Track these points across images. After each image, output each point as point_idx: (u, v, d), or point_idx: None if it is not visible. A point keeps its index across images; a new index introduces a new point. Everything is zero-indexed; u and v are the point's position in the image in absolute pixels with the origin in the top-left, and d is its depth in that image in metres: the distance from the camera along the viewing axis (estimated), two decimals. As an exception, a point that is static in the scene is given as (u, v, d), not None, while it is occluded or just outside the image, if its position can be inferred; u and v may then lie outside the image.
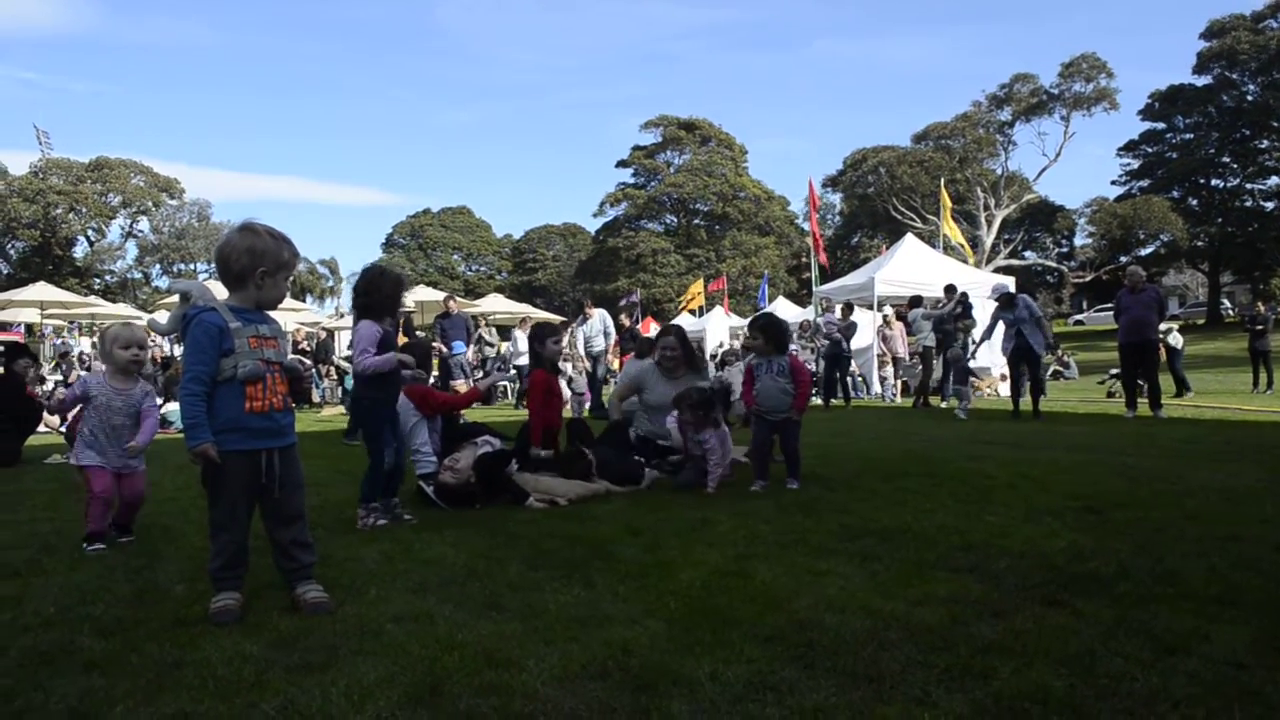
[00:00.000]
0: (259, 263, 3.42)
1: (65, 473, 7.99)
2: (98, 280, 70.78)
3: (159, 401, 17.99)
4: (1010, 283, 21.70)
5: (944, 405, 16.68)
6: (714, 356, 35.26)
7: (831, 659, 2.76)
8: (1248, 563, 3.87)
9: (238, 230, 3.50)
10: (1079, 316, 67.18)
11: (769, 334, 6.75)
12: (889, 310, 21.69)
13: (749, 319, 29.69)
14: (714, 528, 4.99)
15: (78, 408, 5.22)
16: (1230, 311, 63.15)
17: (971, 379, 16.62)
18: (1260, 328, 19.99)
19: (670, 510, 5.58)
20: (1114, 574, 3.72)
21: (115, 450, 5.07)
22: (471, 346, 19.87)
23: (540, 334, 7.26)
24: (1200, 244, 56.59)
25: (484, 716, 2.42)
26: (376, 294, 5.47)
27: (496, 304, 34.73)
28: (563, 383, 19.75)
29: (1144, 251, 58.39)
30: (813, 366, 21.67)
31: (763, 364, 6.71)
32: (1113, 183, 64.01)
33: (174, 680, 2.73)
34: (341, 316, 32.44)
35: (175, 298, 4.31)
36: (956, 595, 3.45)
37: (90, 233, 71.81)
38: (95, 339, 34.65)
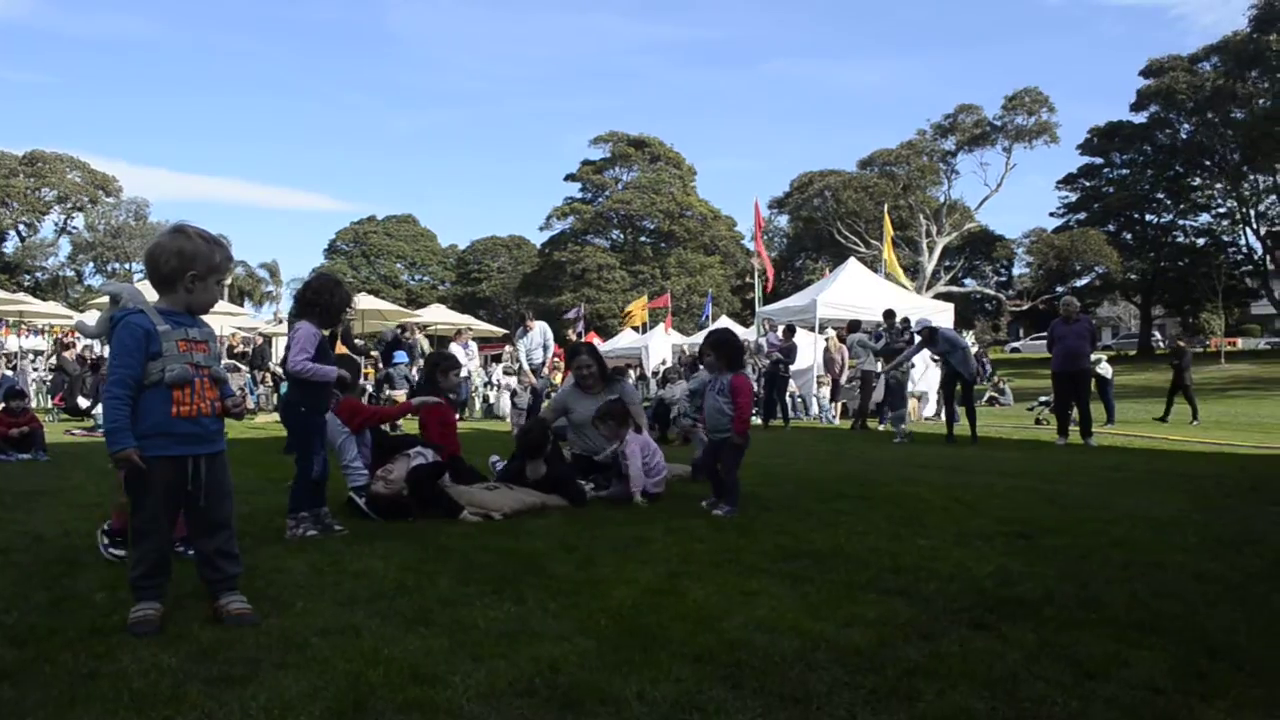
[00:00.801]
0: (189, 266, 3.34)
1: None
2: (28, 276, 69.02)
3: (86, 404, 17.60)
4: (949, 310, 22.12)
5: (882, 428, 16.87)
6: (655, 374, 35.44)
7: (759, 679, 2.76)
8: (1169, 590, 3.95)
9: (169, 232, 3.43)
10: (1015, 344, 68.43)
11: (720, 350, 6.62)
12: (831, 333, 21.89)
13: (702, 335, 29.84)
14: (648, 545, 4.98)
15: None
16: (1161, 344, 64.70)
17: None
18: (1176, 363, 20.50)
19: (605, 527, 5.57)
20: (1040, 598, 3.77)
21: None
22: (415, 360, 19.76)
23: (440, 364, 7.23)
24: (1134, 277, 57.94)
25: (406, 732, 2.38)
26: (326, 300, 5.39)
27: (439, 315, 34.49)
28: (505, 398, 19.79)
29: (1080, 282, 59.63)
30: (754, 387, 21.82)
31: (711, 381, 6.68)
32: (1051, 214, 65.38)
33: (87, 692, 2.65)
34: (280, 322, 31.93)
35: (105, 299, 4.21)
36: (885, 617, 3.47)
37: (21, 227, 70.09)
38: (22, 337, 33.86)
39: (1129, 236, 59.22)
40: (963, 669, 2.84)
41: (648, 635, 3.21)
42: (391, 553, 4.71)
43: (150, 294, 3.65)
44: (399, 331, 18.44)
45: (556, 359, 19.13)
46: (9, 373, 22.44)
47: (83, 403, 18.18)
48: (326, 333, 5.53)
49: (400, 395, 17.17)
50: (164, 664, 2.87)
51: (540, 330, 17.44)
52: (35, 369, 25.68)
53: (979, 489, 7.60)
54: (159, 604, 3.35)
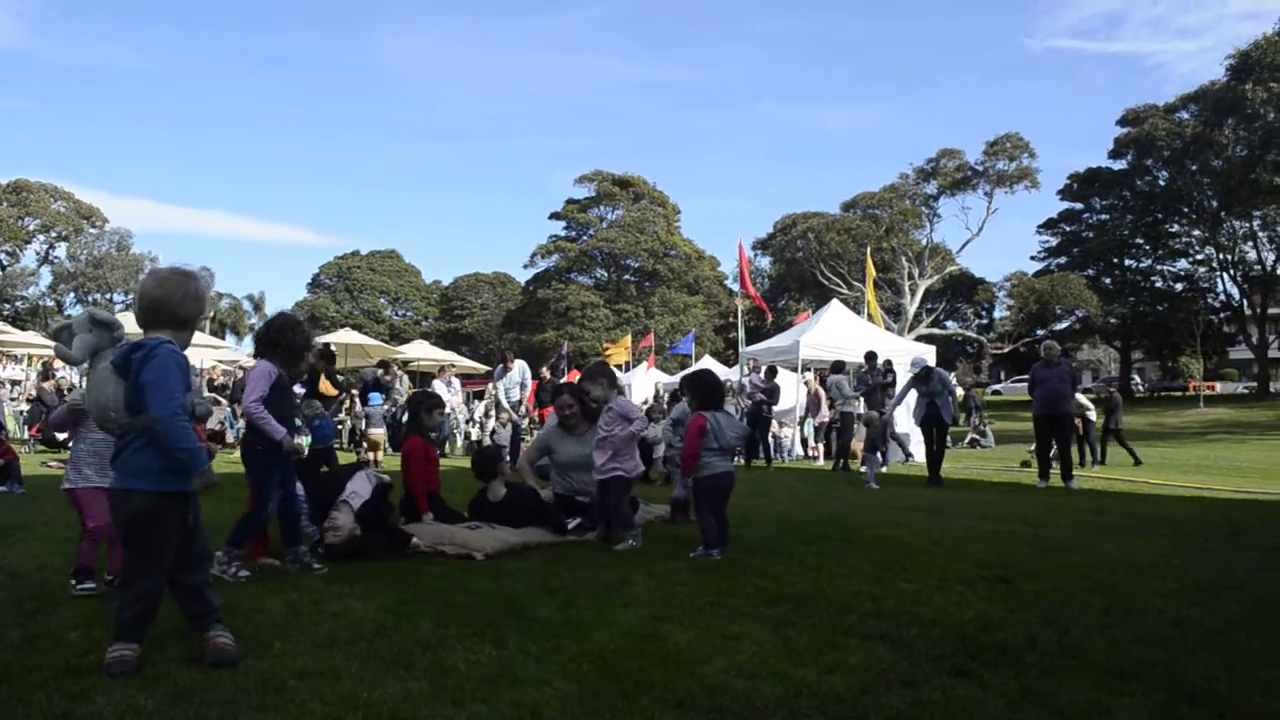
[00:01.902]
0: (203, 308, 3.40)
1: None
2: (7, 305, 68.60)
3: (63, 436, 17.41)
4: (931, 352, 22.21)
5: (883, 470, 16.89)
6: (639, 412, 35.26)
7: (741, 726, 2.75)
8: (1149, 636, 3.96)
9: (180, 274, 3.41)
10: (996, 386, 68.67)
11: (694, 391, 6.71)
12: (811, 376, 21.97)
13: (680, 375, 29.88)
14: (630, 588, 4.96)
15: None
16: (1140, 388, 65.11)
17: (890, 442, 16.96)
18: (1105, 410, 20.70)
19: (588, 570, 5.54)
20: (1021, 644, 3.78)
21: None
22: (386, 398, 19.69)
23: (424, 403, 7.22)
24: (1113, 321, 58.34)
25: (385, 779, 2.36)
26: (288, 339, 5.40)
27: (421, 351, 34.42)
28: (485, 437, 19.73)
29: (1060, 326, 60.02)
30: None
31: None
32: (1032, 258, 65.86)
33: (61, 734, 2.62)
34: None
35: (80, 323, 4.18)
36: (867, 663, 3.47)
37: (3, 256, 69.76)
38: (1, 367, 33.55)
39: (1109, 281, 59.71)
40: (945, 717, 2.84)
41: (629, 680, 3.19)
42: (371, 594, 4.68)
43: (130, 325, 3.64)
44: (379, 373, 18.36)
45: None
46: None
47: (60, 435, 18.01)
48: (304, 375, 5.54)
49: (379, 433, 17.11)
50: (140, 705, 2.84)
51: (519, 369, 17.54)
52: (12, 399, 25.45)
53: (960, 532, 7.61)
54: (138, 645, 3.30)
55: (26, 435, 20.11)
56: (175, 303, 3.31)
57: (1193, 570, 5.77)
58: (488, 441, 20.81)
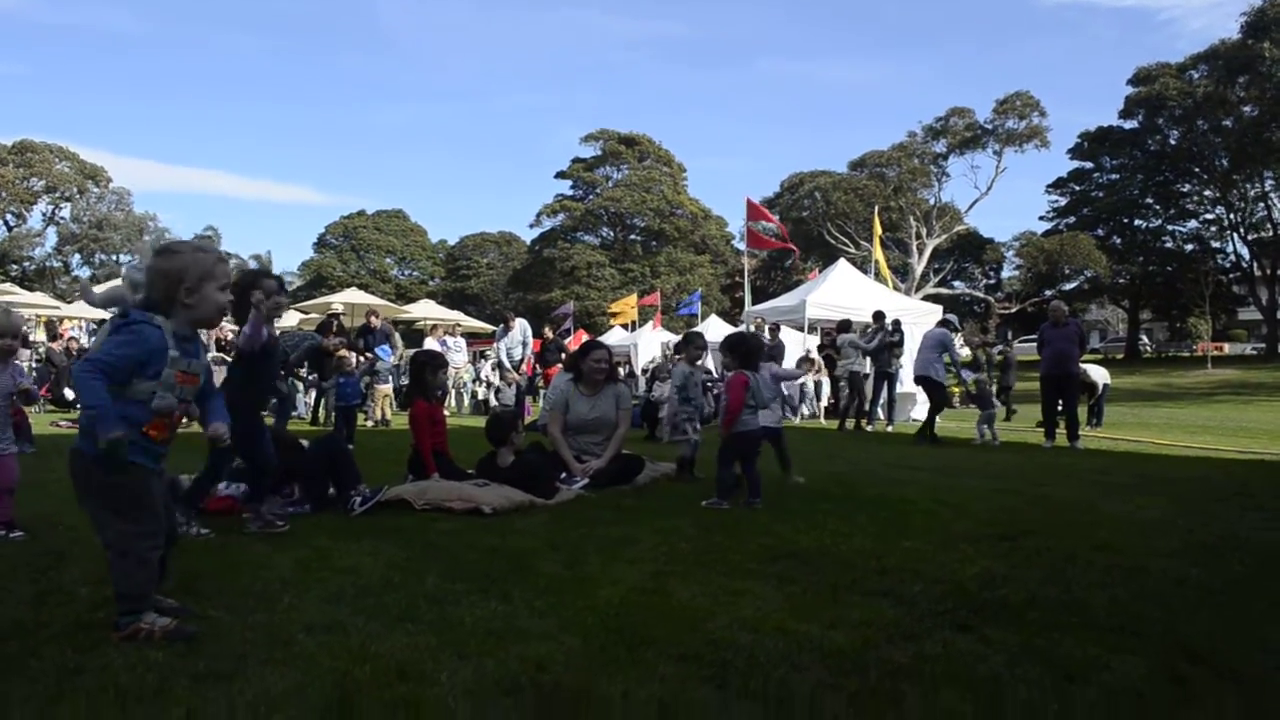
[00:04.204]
0: (180, 279, 3.23)
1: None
2: (15, 266, 68.69)
3: (72, 395, 17.48)
4: (936, 311, 22.17)
5: (870, 429, 16.95)
6: (644, 371, 35.43)
7: (743, 680, 2.77)
8: (1150, 595, 3.98)
9: (155, 255, 3.34)
10: (1003, 347, 68.60)
11: (734, 352, 7.02)
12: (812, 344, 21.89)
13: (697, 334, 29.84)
14: (635, 545, 4.99)
15: None
16: (1148, 348, 64.93)
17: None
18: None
19: (593, 527, 5.58)
20: (1023, 601, 3.80)
21: None
22: (396, 352, 19.67)
23: (429, 364, 7.24)
24: (1122, 281, 58.15)
25: (392, 730, 2.39)
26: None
27: (428, 310, 34.41)
28: (490, 396, 19.81)
29: (1068, 286, 59.86)
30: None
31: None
32: (1041, 218, 65.53)
33: (73, 687, 2.66)
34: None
35: (121, 279, 4.16)
36: (869, 619, 3.49)
37: (9, 217, 69.76)
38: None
39: (1118, 241, 59.41)
40: (946, 671, 2.86)
41: (633, 634, 3.22)
42: (380, 550, 4.72)
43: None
44: (369, 318, 18.33)
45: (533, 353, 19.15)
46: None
47: (69, 394, 18.12)
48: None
49: (386, 389, 17.21)
50: (150, 659, 2.87)
51: (521, 328, 17.62)
52: (21, 359, 25.52)
53: (965, 491, 7.63)
54: (151, 609, 3.20)
55: (38, 394, 20.20)
56: (150, 289, 3.22)
57: (1197, 529, 5.79)
58: (493, 401, 20.87)
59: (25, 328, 34.47)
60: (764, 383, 6.80)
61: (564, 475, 7.38)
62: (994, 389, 19.70)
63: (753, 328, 21.28)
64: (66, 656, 2.91)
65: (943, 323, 15.79)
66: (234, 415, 5.15)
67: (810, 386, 22.24)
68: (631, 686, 2.68)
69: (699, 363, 8.92)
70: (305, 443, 6.65)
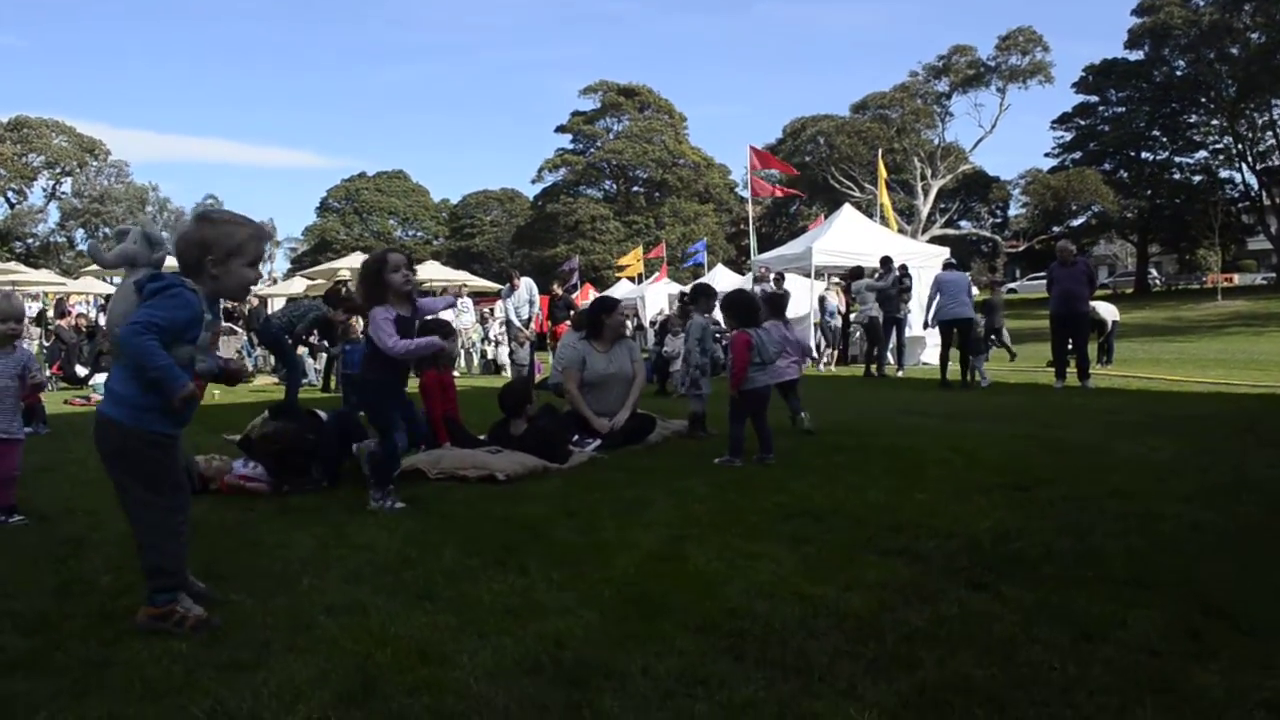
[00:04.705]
0: (207, 252, 3.21)
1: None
2: (19, 243, 68.67)
3: (84, 372, 17.57)
4: (944, 253, 22.06)
5: (900, 375, 16.97)
6: (653, 324, 35.40)
7: (761, 649, 2.79)
8: (1165, 543, 3.99)
9: (193, 220, 3.33)
10: (1012, 285, 68.25)
11: (730, 311, 7.05)
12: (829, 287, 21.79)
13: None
14: (649, 508, 5.02)
15: None
16: (1157, 281, 64.55)
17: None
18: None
19: (607, 490, 5.60)
20: (1038, 555, 3.81)
21: (1, 417, 5.08)
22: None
23: (435, 330, 7.23)
24: (1130, 215, 57.65)
25: (416, 716, 2.41)
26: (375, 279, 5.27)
27: (434, 271, 34.23)
28: (504, 355, 19.83)
29: (1076, 222, 59.45)
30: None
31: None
32: (1046, 154, 64.96)
33: (100, 681, 2.69)
34: (275, 282, 31.86)
35: (133, 230, 4.14)
36: (885, 579, 3.51)
37: (10, 194, 69.63)
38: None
39: (1125, 175, 58.80)
40: (962, 633, 2.88)
41: (650, 604, 3.24)
42: (396, 524, 4.74)
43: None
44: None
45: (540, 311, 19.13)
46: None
47: (80, 371, 18.15)
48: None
49: None
50: (175, 650, 2.90)
51: (526, 286, 17.60)
52: (30, 339, 25.57)
53: (977, 437, 7.64)
54: (183, 590, 3.23)
55: (48, 372, 20.27)
56: (180, 253, 3.23)
57: (1210, 471, 5.79)
58: (505, 361, 20.89)
59: (34, 305, 34.49)
60: (769, 338, 6.78)
61: (576, 438, 7.40)
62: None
63: (756, 276, 21.24)
64: (92, 650, 2.94)
65: (953, 265, 15.76)
66: (379, 396, 5.24)
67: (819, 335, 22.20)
68: (650, 661, 2.70)
69: (709, 314, 8.93)
70: (323, 415, 6.67)
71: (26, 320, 24.72)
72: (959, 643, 2.81)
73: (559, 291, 23.74)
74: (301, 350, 14.85)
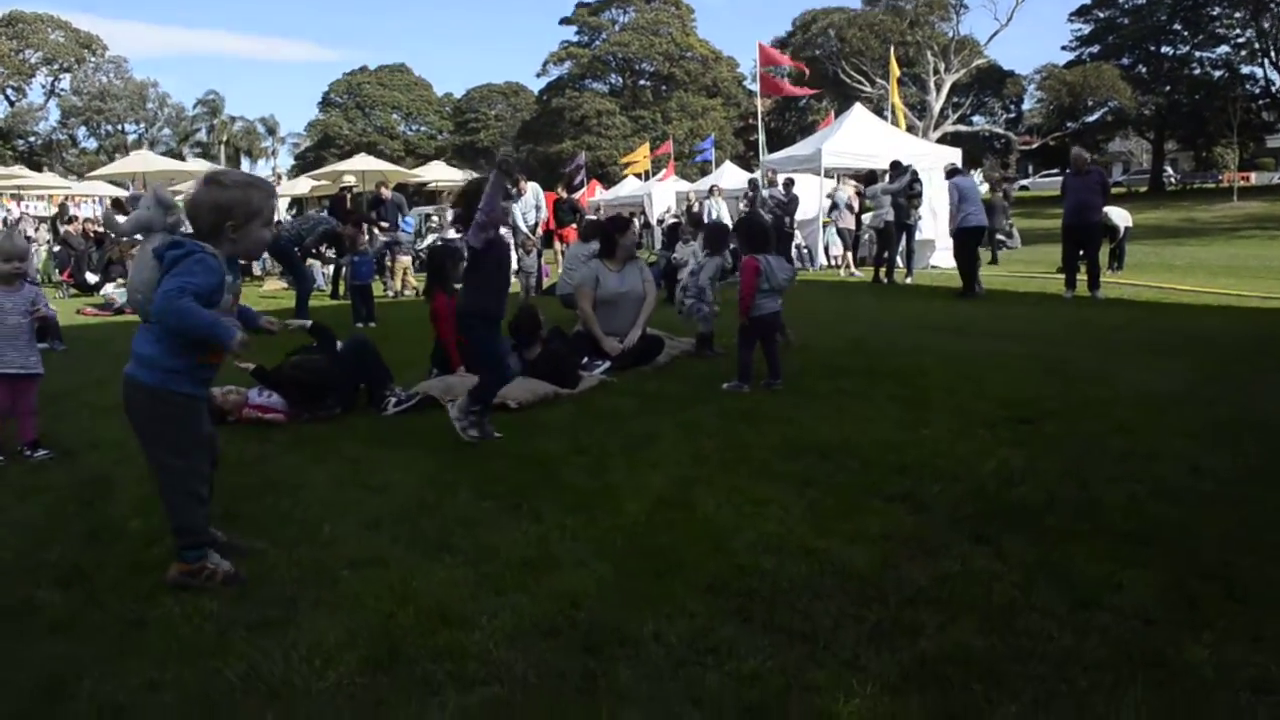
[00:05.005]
0: (226, 216, 3.21)
1: None
2: (21, 142, 68.07)
3: (94, 279, 17.61)
4: (956, 154, 21.81)
5: (909, 281, 16.93)
6: (660, 222, 35.19)
7: (768, 612, 2.90)
8: (1165, 489, 4.07)
9: (203, 184, 3.32)
10: (1024, 182, 67.45)
11: (744, 236, 7.18)
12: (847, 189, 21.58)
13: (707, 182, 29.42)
14: (658, 443, 5.11)
15: None
16: (1172, 180, 63.69)
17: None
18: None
19: (616, 421, 5.69)
20: (1040, 504, 3.90)
21: (14, 352, 5.19)
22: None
23: (446, 256, 7.24)
24: (1147, 112, 56.59)
25: (440, 683, 2.53)
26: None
27: (440, 172, 34.03)
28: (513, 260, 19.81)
29: (1091, 118, 58.44)
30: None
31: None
32: (1063, 48, 63.14)
33: (138, 643, 2.81)
34: (279, 179, 31.53)
35: (145, 196, 4.15)
36: (889, 530, 3.61)
37: (9, 92, 68.73)
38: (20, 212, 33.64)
39: (1143, 70, 57.53)
40: (963, 595, 2.98)
41: (661, 559, 3.35)
42: (411, 462, 4.85)
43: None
44: (380, 190, 18.25)
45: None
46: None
47: (91, 278, 18.19)
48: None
49: (405, 260, 17.35)
50: (206, 608, 3.02)
51: (533, 191, 17.47)
52: (47, 241, 25.44)
53: (984, 359, 7.70)
54: (210, 547, 3.32)
55: (59, 278, 20.32)
56: (196, 218, 3.23)
57: (1215, 404, 5.84)
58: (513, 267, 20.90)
59: (39, 206, 34.27)
60: (778, 265, 6.79)
61: (585, 360, 7.47)
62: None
63: (766, 180, 21.07)
64: (127, 607, 3.06)
65: (957, 170, 15.62)
66: (469, 327, 5.36)
67: (832, 235, 22.13)
68: (662, 626, 2.81)
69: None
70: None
71: (34, 233, 24.59)
72: (960, 607, 2.90)
73: (563, 194, 23.58)
74: (311, 261, 14.84)
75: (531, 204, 17.31)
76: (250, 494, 4.30)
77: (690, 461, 4.72)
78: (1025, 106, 65.20)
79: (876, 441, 5.05)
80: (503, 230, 17.81)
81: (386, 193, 17.75)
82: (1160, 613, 2.84)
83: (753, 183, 21.27)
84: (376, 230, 16.61)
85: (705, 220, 22.16)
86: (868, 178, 19.05)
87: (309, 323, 6.05)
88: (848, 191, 20.56)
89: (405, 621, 2.89)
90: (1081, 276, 13.60)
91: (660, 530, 3.68)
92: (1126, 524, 3.61)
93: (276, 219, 26.11)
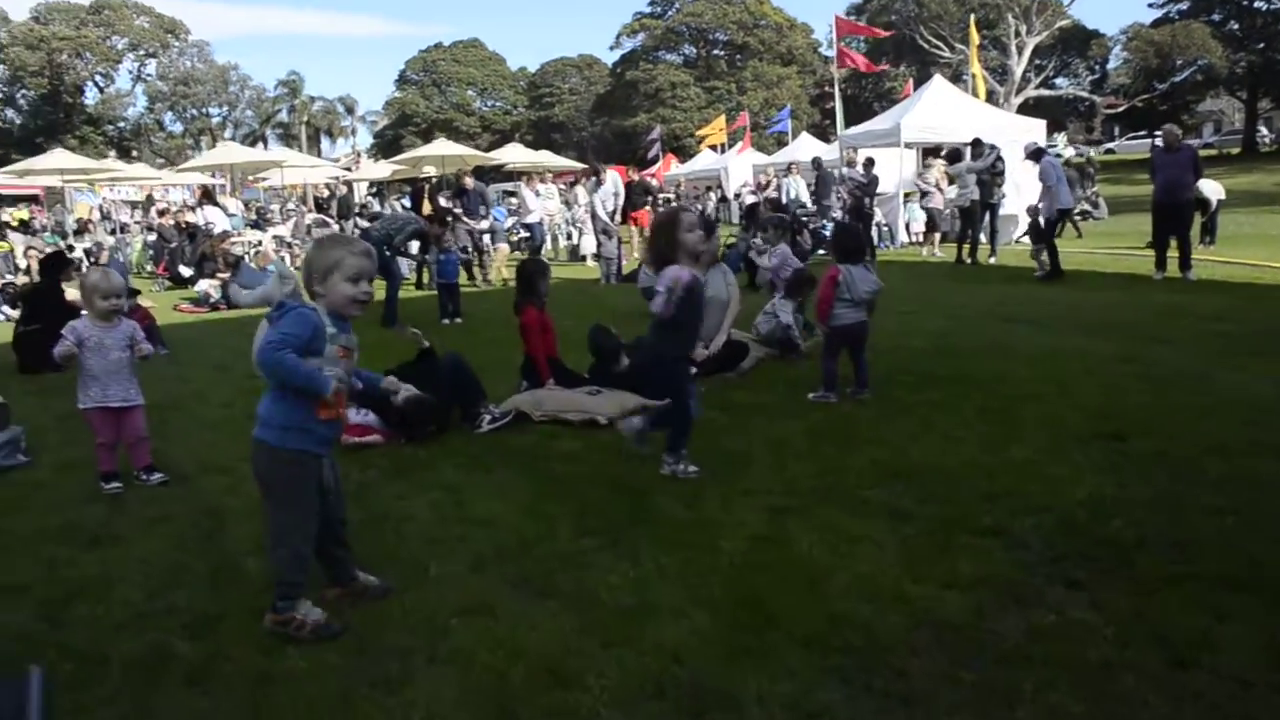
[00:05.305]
0: (310, 272, 3.44)
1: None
2: (111, 127, 70.14)
3: (188, 273, 18.12)
4: (1039, 127, 21.38)
5: (993, 260, 16.86)
6: (736, 196, 35.03)
7: (866, 674, 2.97)
8: (1265, 523, 4.04)
9: (317, 244, 3.64)
10: (1110, 145, 65.55)
11: (837, 247, 7.28)
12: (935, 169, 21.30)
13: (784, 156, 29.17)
14: (749, 467, 5.18)
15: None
16: (1267, 140, 61.39)
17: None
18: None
19: (705, 439, 5.72)
20: (1132, 542, 3.90)
21: (116, 386, 5.38)
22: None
23: (535, 271, 7.35)
24: (1240, 70, 54.53)
25: (554, 748, 2.67)
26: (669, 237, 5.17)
27: (515, 154, 34.32)
28: (589, 243, 20.01)
29: (1179, 78, 56.49)
30: (838, 213, 21.72)
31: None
32: (1150, 4, 61.00)
33: (268, 700, 2.99)
34: (358, 158, 32.16)
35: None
36: (982, 574, 3.65)
37: (98, 78, 70.81)
38: (111, 199, 34.75)
39: (1235, 26, 55.42)
40: (1059, 655, 3.02)
41: (758, 607, 3.44)
42: (507, 488, 5.01)
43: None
44: (462, 179, 18.61)
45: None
46: (114, 247, 23.06)
47: (185, 271, 18.71)
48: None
49: (504, 249, 17.95)
50: (328, 663, 3.19)
51: (612, 180, 17.82)
52: (134, 235, 26.28)
53: (1070, 358, 7.67)
54: (303, 598, 3.48)
55: (152, 270, 20.97)
56: (303, 274, 3.49)
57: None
58: (584, 249, 21.04)
59: (131, 191, 35.24)
60: (861, 277, 6.76)
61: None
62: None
63: (846, 160, 20.90)
64: (255, 660, 3.24)
65: (1042, 151, 15.35)
66: (674, 366, 5.27)
67: (915, 212, 21.94)
68: (764, 686, 2.91)
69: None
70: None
71: (129, 219, 25.33)
72: (1056, 666, 2.95)
73: (634, 177, 23.68)
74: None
75: (611, 191, 17.55)
76: (358, 530, 4.46)
77: (782, 490, 4.79)
78: (1110, 66, 63.29)
79: (966, 464, 5.08)
80: (585, 217, 18.01)
81: (470, 181, 18.02)
82: (1258, 674, 2.86)
83: (822, 178, 21.17)
84: (460, 223, 16.91)
85: (784, 200, 22.13)
86: (951, 155, 18.75)
87: (426, 343, 6.26)
88: (936, 173, 20.28)
89: (516, 679, 3.03)
90: (1173, 254, 13.32)
91: (756, 572, 3.78)
92: (1223, 566, 3.60)
93: (365, 211, 26.58)
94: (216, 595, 3.83)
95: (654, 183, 28.16)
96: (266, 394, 3.44)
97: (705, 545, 4.09)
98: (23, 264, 18.11)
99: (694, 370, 7.55)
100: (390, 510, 4.77)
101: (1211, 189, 17.69)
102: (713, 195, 39.15)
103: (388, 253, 12.13)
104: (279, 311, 3.37)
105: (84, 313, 5.49)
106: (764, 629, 3.29)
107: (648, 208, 20.38)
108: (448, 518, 4.63)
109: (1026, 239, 18.77)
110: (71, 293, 12.34)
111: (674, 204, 22.28)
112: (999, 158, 16.98)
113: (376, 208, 30.49)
